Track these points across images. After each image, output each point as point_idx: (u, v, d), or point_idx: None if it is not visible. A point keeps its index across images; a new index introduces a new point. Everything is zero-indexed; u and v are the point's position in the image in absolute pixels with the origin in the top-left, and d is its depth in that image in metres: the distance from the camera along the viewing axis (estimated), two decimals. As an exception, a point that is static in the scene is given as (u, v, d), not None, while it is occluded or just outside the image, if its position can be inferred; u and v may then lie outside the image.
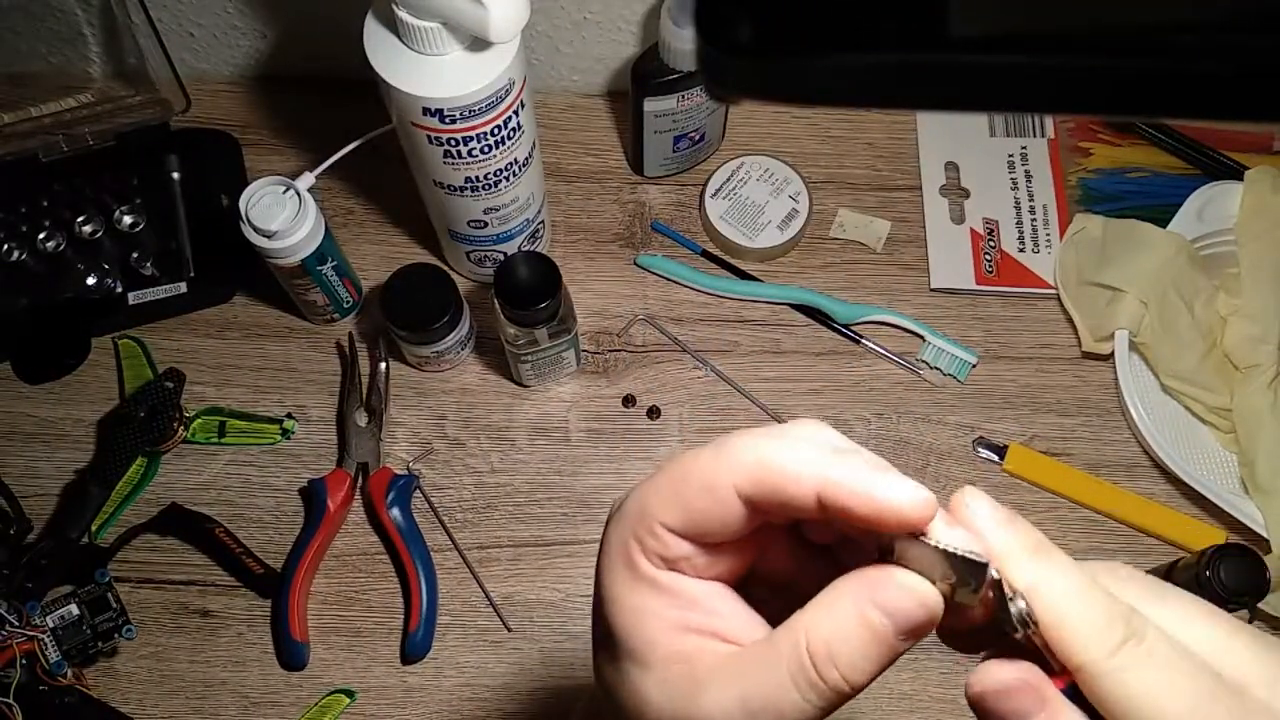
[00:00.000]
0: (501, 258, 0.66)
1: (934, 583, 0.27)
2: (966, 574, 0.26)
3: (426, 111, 0.53)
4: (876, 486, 0.26)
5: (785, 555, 0.31)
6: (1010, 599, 0.27)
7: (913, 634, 0.27)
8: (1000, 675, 0.27)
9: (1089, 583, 0.27)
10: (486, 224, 0.63)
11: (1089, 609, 0.26)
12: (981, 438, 0.67)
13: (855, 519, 0.26)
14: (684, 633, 0.29)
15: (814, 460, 0.27)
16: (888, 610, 0.26)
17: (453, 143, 0.55)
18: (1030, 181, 0.73)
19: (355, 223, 0.73)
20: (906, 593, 0.26)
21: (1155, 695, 0.25)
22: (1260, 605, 0.59)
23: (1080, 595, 0.26)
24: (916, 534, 0.26)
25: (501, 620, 0.63)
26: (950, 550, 0.26)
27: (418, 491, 0.65)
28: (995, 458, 0.66)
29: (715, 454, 0.28)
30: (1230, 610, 0.50)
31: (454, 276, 0.64)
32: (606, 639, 0.30)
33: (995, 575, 0.27)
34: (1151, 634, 0.26)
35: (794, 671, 0.27)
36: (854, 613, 0.26)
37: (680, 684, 0.28)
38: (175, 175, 0.71)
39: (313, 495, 0.64)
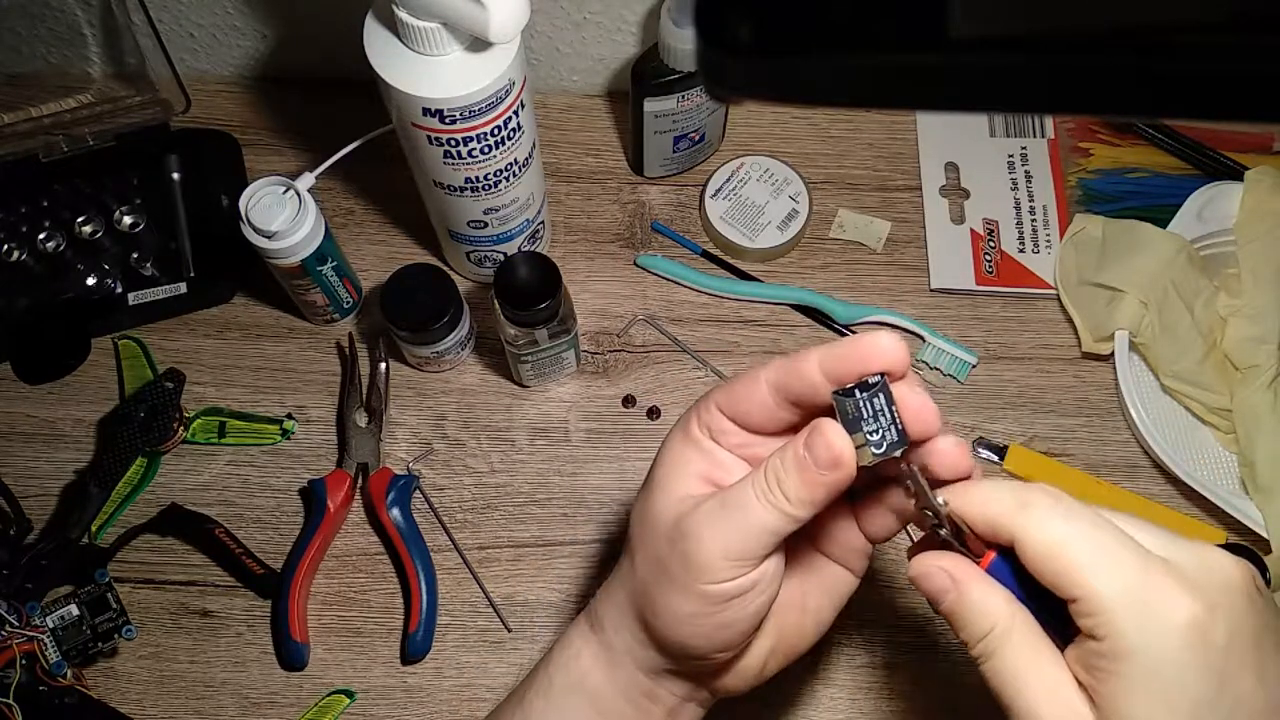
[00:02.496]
0: (501, 258, 0.66)
1: (856, 433, 0.38)
2: (871, 423, 0.38)
3: (426, 112, 0.53)
4: (857, 343, 0.38)
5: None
6: (934, 498, 0.37)
7: (828, 468, 0.37)
8: (920, 564, 0.38)
9: (998, 480, 0.38)
10: (486, 224, 0.63)
11: (997, 487, 0.37)
12: (981, 438, 0.67)
13: (850, 366, 0.38)
14: (704, 482, 0.42)
15: (815, 350, 0.39)
16: (810, 449, 0.38)
17: (453, 143, 0.55)
18: (1030, 182, 0.73)
19: (355, 223, 0.73)
20: (822, 439, 0.38)
21: (1064, 542, 0.34)
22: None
23: (991, 483, 0.38)
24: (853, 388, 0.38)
25: (501, 620, 0.63)
26: (863, 401, 0.38)
27: (418, 492, 0.65)
28: (995, 458, 0.66)
29: (760, 364, 0.41)
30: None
31: (454, 276, 0.64)
32: (648, 477, 0.44)
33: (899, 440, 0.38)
34: (1066, 497, 0.36)
35: (757, 487, 0.39)
36: (792, 452, 0.38)
37: (684, 504, 0.41)
38: (175, 175, 0.71)
39: (312, 495, 0.64)
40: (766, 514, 0.39)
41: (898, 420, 0.38)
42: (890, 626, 0.62)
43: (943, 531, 0.38)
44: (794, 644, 0.45)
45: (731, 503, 0.39)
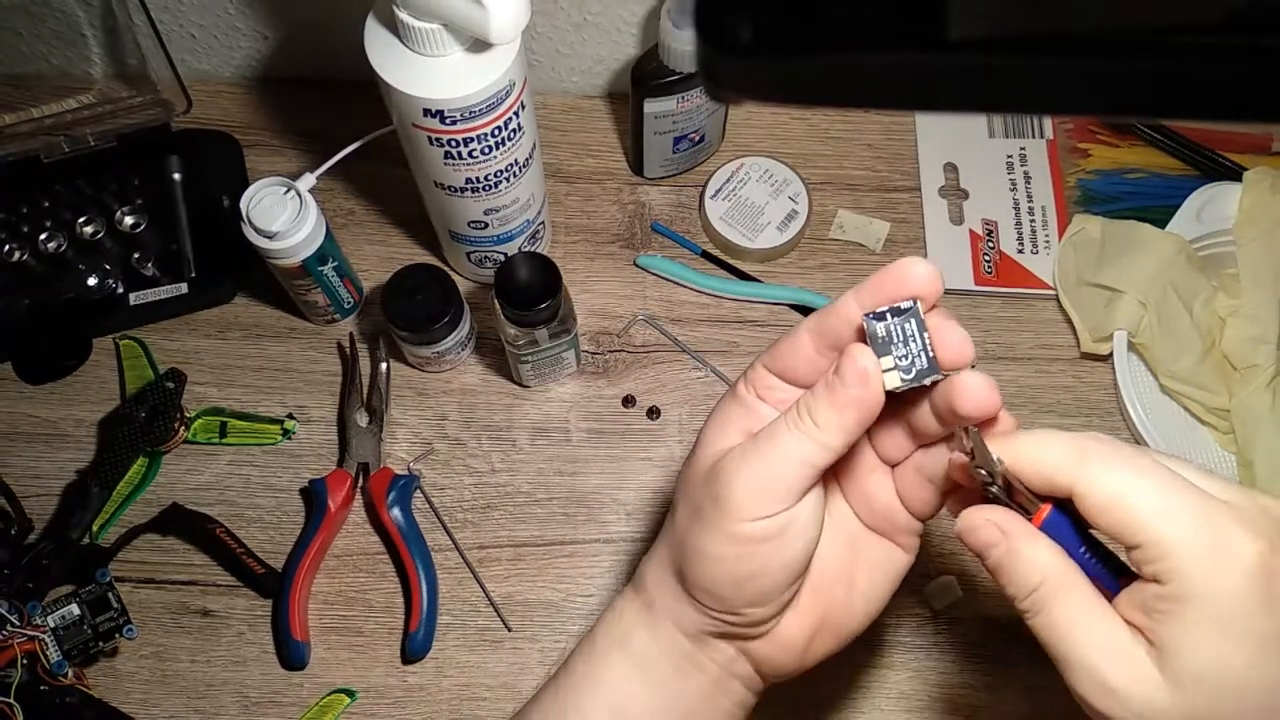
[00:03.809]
0: (502, 258, 0.67)
1: (885, 355, 0.37)
2: (902, 345, 0.37)
3: (427, 113, 0.53)
4: (890, 268, 0.38)
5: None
6: (992, 455, 0.37)
7: (855, 385, 0.37)
8: (969, 518, 0.38)
9: (1049, 431, 0.38)
10: (487, 225, 0.63)
11: (1051, 438, 0.37)
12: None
13: (883, 291, 0.38)
14: (745, 435, 0.41)
15: (851, 290, 0.39)
16: (838, 370, 0.38)
17: (453, 144, 0.55)
18: (1029, 182, 0.73)
19: (356, 223, 0.73)
20: (849, 358, 0.38)
21: (1127, 491, 0.34)
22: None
23: (1043, 434, 0.37)
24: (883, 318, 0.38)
25: (501, 620, 0.63)
26: (894, 325, 0.37)
27: (418, 491, 0.65)
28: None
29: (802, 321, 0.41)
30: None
31: (454, 276, 0.64)
32: (696, 441, 0.44)
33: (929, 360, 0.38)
34: (1120, 443, 0.36)
35: (789, 419, 0.39)
36: (822, 380, 0.39)
37: (722, 454, 0.41)
38: (176, 176, 0.71)
39: (313, 495, 0.64)
40: (796, 442, 0.39)
41: (929, 347, 0.37)
42: (890, 625, 0.63)
43: (994, 489, 0.38)
44: (843, 623, 0.44)
45: (763, 437, 0.40)
